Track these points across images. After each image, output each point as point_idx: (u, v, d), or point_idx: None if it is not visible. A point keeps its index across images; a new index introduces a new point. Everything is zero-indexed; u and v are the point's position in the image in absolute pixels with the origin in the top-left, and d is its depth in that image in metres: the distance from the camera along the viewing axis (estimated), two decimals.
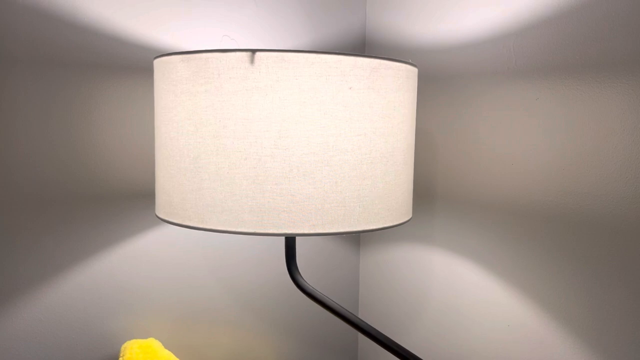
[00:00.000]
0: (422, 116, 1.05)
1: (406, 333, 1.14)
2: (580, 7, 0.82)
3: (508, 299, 0.95)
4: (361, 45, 1.19)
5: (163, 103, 0.79)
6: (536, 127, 0.89)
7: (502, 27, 0.92)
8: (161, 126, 0.80)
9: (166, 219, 0.80)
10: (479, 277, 0.99)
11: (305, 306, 1.18)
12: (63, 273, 0.93)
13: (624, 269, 0.79)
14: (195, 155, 0.74)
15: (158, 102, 0.81)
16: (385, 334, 0.92)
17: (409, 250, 1.13)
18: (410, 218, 0.87)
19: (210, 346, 1.09)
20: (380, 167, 0.77)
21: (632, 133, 0.78)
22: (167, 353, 0.96)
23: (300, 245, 1.12)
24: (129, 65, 0.95)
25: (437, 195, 1.06)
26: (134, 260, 0.99)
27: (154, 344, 0.95)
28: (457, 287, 1.03)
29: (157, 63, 0.80)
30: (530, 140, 0.90)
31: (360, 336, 1.26)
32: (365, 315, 1.24)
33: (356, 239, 1.24)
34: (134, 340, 0.95)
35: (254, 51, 0.71)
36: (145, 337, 1.00)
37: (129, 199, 0.98)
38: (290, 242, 0.87)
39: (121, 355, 0.93)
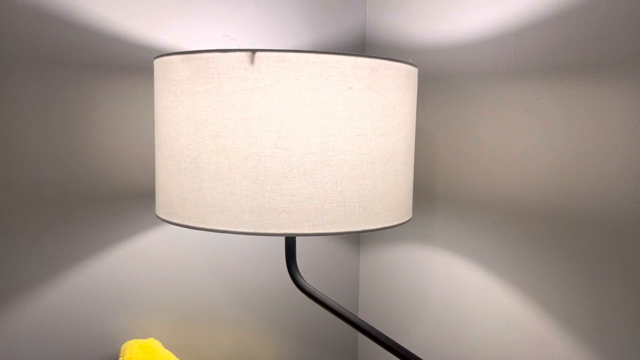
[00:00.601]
0: (422, 116, 1.05)
1: (406, 333, 1.14)
2: (580, 7, 0.82)
3: (508, 299, 0.95)
4: (361, 45, 1.19)
5: (163, 103, 0.79)
6: (536, 127, 0.89)
7: (502, 27, 0.92)
8: (161, 126, 0.80)
9: (166, 219, 0.80)
10: (479, 277, 0.99)
11: (305, 306, 1.18)
12: (63, 273, 0.93)
13: (624, 269, 0.79)
14: (195, 155, 0.74)
15: (158, 102, 0.81)
16: (385, 334, 0.92)
17: (409, 250, 1.13)
18: (410, 218, 0.87)
19: (210, 346, 1.09)
20: (380, 167, 0.77)
21: (632, 133, 0.78)
22: (167, 353, 0.96)
23: (300, 245, 1.12)
24: (129, 65, 0.95)
25: (437, 195, 1.06)
26: (134, 260, 0.99)
27: (154, 344, 0.95)
28: (457, 287, 1.03)
29: (157, 63, 0.80)
30: (530, 140, 0.90)
31: (360, 336, 1.26)
32: (365, 315, 1.24)
33: (356, 239, 1.24)
34: (134, 340, 0.95)
35: (254, 51, 0.71)
36: (145, 337, 1.00)
37: (129, 199, 0.98)
38: (290, 242, 0.87)
39: (121, 355, 0.93)
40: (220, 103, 0.72)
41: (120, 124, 0.96)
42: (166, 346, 1.02)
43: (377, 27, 1.16)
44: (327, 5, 1.14)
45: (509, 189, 0.93)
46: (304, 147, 0.72)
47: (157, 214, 0.83)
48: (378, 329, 1.08)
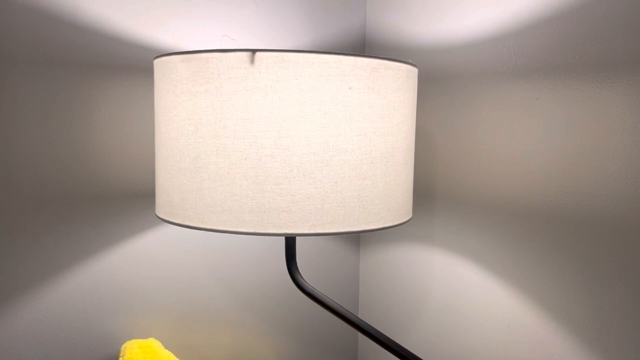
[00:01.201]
0: (422, 116, 1.05)
1: (406, 333, 1.14)
2: (580, 7, 0.82)
3: (508, 299, 0.95)
4: (361, 45, 1.19)
5: (163, 103, 0.79)
6: (536, 127, 0.89)
7: (502, 27, 0.92)
8: (161, 126, 0.80)
9: (166, 219, 0.80)
10: (479, 277, 0.99)
11: (305, 306, 1.18)
12: (63, 273, 0.93)
13: (624, 269, 0.79)
14: (195, 155, 0.74)
15: (158, 102, 0.81)
16: (385, 334, 0.92)
17: (409, 250, 1.13)
18: (410, 218, 0.87)
19: (210, 346, 1.09)
20: (380, 167, 0.77)
21: (632, 133, 0.78)
22: (167, 353, 0.96)
23: (300, 245, 1.12)
24: (129, 65, 0.95)
25: (437, 195, 1.06)
26: (134, 260, 0.99)
27: (154, 344, 0.95)
28: (457, 287, 1.03)
29: (157, 63, 0.80)
30: (530, 140, 0.90)
31: (360, 336, 1.26)
32: (365, 315, 1.24)
33: (356, 239, 1.24)
34: (134, 340, 0.95)
35: (254, 51, 0.71)
36: (145, 337, 1.00)
37: (129, 199, 0.98)
38: (290, 242, 0.87)
39: (121, 355, 0.93)
40: (220, 103, 0.72)
41: (120, 124, 0.96)
42: (166, 346, 1.02)
43: (377, 27, 1.16)
44: (327, 5, 1.14)
45: (509, 189, 0.93)
46: (304, 147, 0.72)
47: (157, 214, 0.83)
48: (378, 329, 1.08)
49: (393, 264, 1.17)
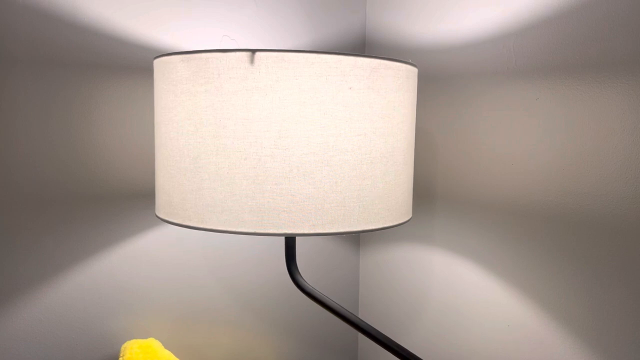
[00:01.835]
0: (422, 116, 1.05)
1: (406, 333, 1.14)
2: (580, 7, 0.82)
3: (508, 299, 0.95)
4: (361, 45, 1.19)
5: (163, 103, 0.79)
6: (536, 127, 0.89)
7: (502, 27, 0.92)
8: (161, 126, 0.80)
9: (166, 219, 0.80)
10: (479, 277, 0.99)
11: (305, 306, 1.18)
12: (63, 273, 0.93)
13: (624, 269, 0.79)
14: (195, 155, 0.74)
15: (158, 102, 0.81)
16: (385, 334, 0.92)
17: (409, 250, 1.13)
18: (410, 218, 0.87)
19: (210, 346, 1.09)
20: (380, 167, 0.77)
21: (632, 133, 0.78)
22: (167, 353, 0.96)
23: (300, 245, 1.12)
24: (129, 65, 0.95)
25: (437, 195, 1.06)
26: (134, 260, 0.99)
27: (154, 344, 0.95)
28: (457, 287, 1.03)
29: (157, 63, 0.80)
30: (530, 140, 0.90)
31: (360, 336, 1.26)
32: (365, 315, 1.24)
33: (356, 239, 1.24)
34: (134, 340, 0.95)
35: (253, 51, 0.71)
36: (145, 337, 1.00)
37: (129, 199, 0.98)
38: (290, 242, 0.87)
39: (121, 355, 0.93)
40: (220, 103, 0.72)
41: (120, 124, 0.96)
42: (166, 346, 1.02)
43: (377, 27, 1.16)
44: (327, 5, 1.14)
45: (509, 189, 0.93)
46: (303, 147, 0.72)
47: (157, 214, 0.83)
48: (378, 329, 1.08)
49: (393, 264, 1.17)
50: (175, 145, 0.77)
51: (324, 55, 0.71)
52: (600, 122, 0.81)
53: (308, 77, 0.71)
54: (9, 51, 0.86)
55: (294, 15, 1.10)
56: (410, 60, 0.81)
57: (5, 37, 0.86)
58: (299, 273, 0.87)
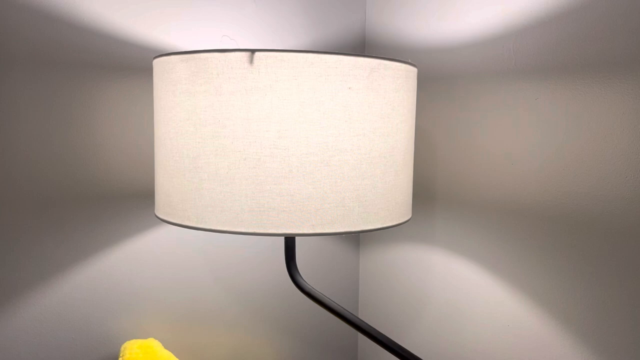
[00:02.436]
0: (422, 116, 1.05)
1: (406, 333, 1.14)
2: (580, 7, 0.82)
3: (508, 299, 0.94)
4: (361, 45, 1.19)
5: (162, 103, 0.79)
6: (536, 127, 0.89)
7: (502, 27, 0.92)
8: (160, 126, 0.80)
9: (166, 219, 0.80)
10: (479, 277, 0.99)
11: (305, 306, 1.18)
12: (63, 273, 0.93)
13: (624, 269, 0.79)
14: (195, 155, 0.74)
15: (157, 102, 0.81)
16: (385, 334, 0.92)
17: (408, 250, 1.13)
18: (410, 218, 0.87)
19: (210, 346, 1.09)
20: (380, 167, 0.77)
21: (632, 133, 0.77)
22: (167, 353, 0.96)
23: (300, 245, 1.12)
24: (129, 65, 0.95)
25: (436, 195, 1.06)
26: (133, 260, 0.99)
27: (154, 344, 0.95)
28: (457, 287, 1.03)
29: (157, 63, 0.80)
30: (530, 140, 0.90)
31: (360, 336, 1.26)
32: (365, 315, 1.24)
33: (356, 239, 1.24)
34: (134, 340, 0.95)
35: (253, 51, 0.71)
36: (145, 337, 1.00)
37: (128, 199, 0.98)
38: (289, 242, 0.87)
39: (121, 355, 0.93)
40: (220, 103, 0.72)
41: (120, 124, 0.96)
42: (166, 346, 1.02)
43: (377, 27, 1.16)
44: (326, 5, 1.14)
45: (509, 189, 0.93)
46: (303, 147, 0.72)
47: (157, 214, 0.83)
48: (378, 329, 1.08)
49: (393, 264, 1.17)
50: (174, 145, 0.77)
51: (324, 55, 0.71)
52: (600, 122, 0.81)
53: (307, 77, 0.71)
54: (9, 51, 0.86)
55: (294, 15, 1.10)
56: (409, 60, 0.81)
57: (5, 37, 0.86)
58: (299, 273, 0.87)
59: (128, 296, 0.99)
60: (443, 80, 1.03)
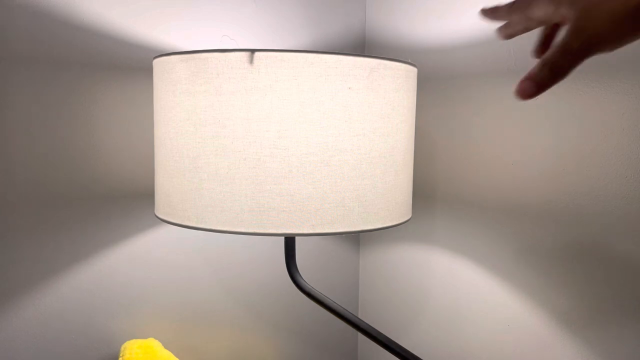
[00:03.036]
0: (422, 116, 1.05)
1: (406, 333, 1.14)
2: None
3: (508, 299, 0.94)
4: (361, 45, 1.19)
5: (162, 103, 0.79)
6: (536, 127, 0.89)
7: None
8: (160, 126, 0.80)
9: (166, 219, 0.80)
10: (479, 277, 0.99)
11: (305, 306, 1.18)
12: (63, 273, 0.93)
13: (624, 269, 0.79)
14: (195, 155, 0.74)
15: (157, 102, 0.81)
16: (385, 334, 0.92)
17: (408, 250, 1.13)
18: (410, 218, 0.87)
19: (210, 346, 1.09)
20: (380, 167, 0.77)
21: (632, 133, 0.77)
22: (167, 353, 0.96)
23: (300, 245, 1.12)
24: (129, 65, 0.95)
25: (437, 195, 1.06)
26: (133, 260, 0.99)
27: (154, 344, 0.95)
28: (457, 286, 1.03)
29: (157, 63, 0.80)
30: (530, 140, 0.90)
31: (360, 336, 1.26)
32: (365, 315, 1.24)
33: (356, 239, 1.24)
34: (134, 340, 0.95)
35: (253, 51, 0.71)
36: (145, 337, 1.00)
37: (128, 199, 0.98)
38: (289, 242, 0.87)
39: (121, 355, 0.93)
40: (220, 103, 0.72)
41: (120, 124, 0.96)
42: (166, 346, 1.02)
43: (377, 27, 1.16)
44: (326, 5, 1.14)
45: (508, 188, 0.93)
46: (303, 147, 0.72)
47: (157, 214, 0.83)
48: (378, 329, 1.08)
49: (393, 264, 1.17)
50: (174, 145, 0.77)
51: (324, 55, 0.71)
52: (600, 122, 0.81)
53: (307, 77, 0.71)
54: (9, 51, 0.86)
55: (294, 15, 1.10)
56: (409, 60, 0.81)
57: (5, 37, 0.86)
58: (299, 273, 0.87)
59: (128, 296, 0.99)
60: (443, 80, 1.03)
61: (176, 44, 0.99)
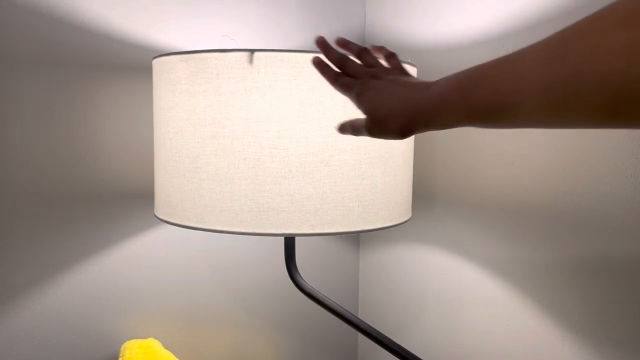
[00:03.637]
0: None
1: (406, 333, 1.14)
2: (580, 7, 0.82)
3: (508, 299, 0.94)
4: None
5: (162, 103, 0.79)
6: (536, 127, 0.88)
7: (502, 27, 0.92)
8: (160, 126, 0.80)
9: (165, 219, 0.80)
10: (479, 277, 0.99)
11: (305, 306, 1.18)
12: (63, 273, 0.93)
13: (624, 269, 0.79)
14: (194, 155, 0.74)
15: (157, 102, 0.81)
16: (385, 334, 0.92)
17: (408, 250, 1.13)
18: (410, 218, 0.87)
19: (210, 346, 1.09)
20: (379, 167, 0.77)
21: (632, 133, 0.77)
22: (167, 353, 0.96)
23: (299, 245, 1.12)
24: (129, 65, 0.95)
25: (436, 195, 1.05)
26: (133, 260, 0.99)
27: (154, 344, 0.95)
28: (457, 286, 1.03)
29: (156, 63, 0.80)
30: (530, 140, 0.89)
31: (360, 336, 1.26)
32: (365, 315, 1.24)
33: (356, 239, 1.24)
34: (134, 340, 0.95)
35: (252, 51, 0.71)
36: (145, 337, 1.00)
37: (129, 199, 0.98)
38: (289, 242, 0.87)
39: (121, 355, 0.93)
40: (219, 103, 0.72)
41: (120, 124, 0.96)
42: (166, 346, 1.02)
43: (377, 27, 1.16)
44: (326, 5, 1.14)
45: (508, 188, 0.93)
46: (302, 147, 0.72)
47: (157, 214, 0.83)
48: (378, 329, 1.08)
49: (393, 264, 1.17)
50: (174, 145, 0.77)
51: (323, 55, 0.71)
52: None
53: (307, 77, 0.71)
54: (9, 51, 0.86)
55: (294, 15, 1.10)
56: (409, 60, 0.81)
57: (5, 37, 0.86)
58: (299, 273, 0.87)
59: (128, 296, 0.99)
60: None
61: (176, 43, 0.99)
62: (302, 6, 1.11)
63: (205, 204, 0.74)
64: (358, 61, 0.62)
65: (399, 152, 0.80)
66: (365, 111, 0.56)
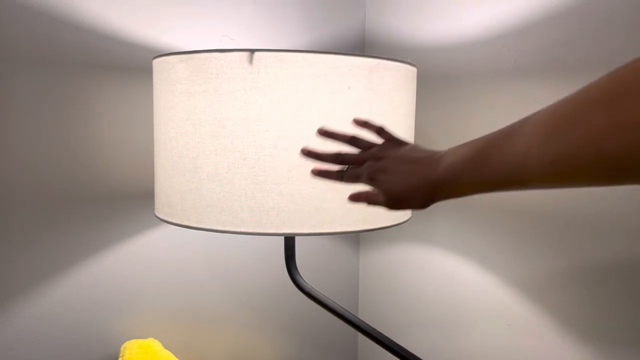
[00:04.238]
0: (422, 116, 1.04)
1: (406, 333, 1.14)
2: (580, 7, 0.82)
3: (508, 299, 0.94)
4: (361, 45, 1.19)
5: (162, 103, 0.79)
6: None
7: (502, 27, 0.92)
8: (160, 126, 0.80)
9: (165, 219, 0.80)
10: (479, 277, 0.99)
11: (305, 306, 1.18)
12: (63, 273, 0.93)
13: (624, 269, 0.79)
14: (194, 155, 0.74)
15: (157, 102, 0.81)
16: (385, 334, 0.92)
17: (408, 250, 1.13)
18: (410, 218, 0.87)
19: (210, 346, 1.09)
20: None
21: None
22: (167, 353, 0.96)
23: (299, 245, 1.12)
24: (129, 65, 0.95)
25: None
26: (133, 260, 0.99)
27: (154, 344, 0.95)
28: (457, 286, 1.03)
29: (156, 63, 0.80)
30: None
31: (360, 336, 1.26)
32: (365, 315, 1.24)
33: (356, 239, 1.24)
34: (133, 340, 0.95)
35: (252, 51, 0.71)
36: (145, 337, 1.00)
37: (129, 199, 0.98)
38: (289, 242, 0.87)
39: (121, 355, 0.93)
40: (219, 103, 0.72)
41: (120, 124, 0.96)
42: (166, 346, 1.02)
43: (376, 27, 1.16)
44: (326, 5, 1.14)
45: None
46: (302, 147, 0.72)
47: (157, 214, 0.83)
48: (378, 329, 1.08)
49: (393, 264, 1.17)
50: (174, 145, 0.77)
51: (323, 55, 0.71)
52: None
53: (307, 77, 0.71)
54: (8, 51, 0.86)
55: (293, 15, 1.10)
56: (409, 60, 0.81)
57: (4, 37, 0.86)
58: (299, 273, 0.87)
59: (128, 296, 0.99)
60: (443, 80, 1.03)
61: (176, 44, 0.99)
62: (302, 6, 1.11)
63: (205, 204, 0.74)
64: (353, 148, 0.64)
65: None
66: (383, 193, 0.59)
